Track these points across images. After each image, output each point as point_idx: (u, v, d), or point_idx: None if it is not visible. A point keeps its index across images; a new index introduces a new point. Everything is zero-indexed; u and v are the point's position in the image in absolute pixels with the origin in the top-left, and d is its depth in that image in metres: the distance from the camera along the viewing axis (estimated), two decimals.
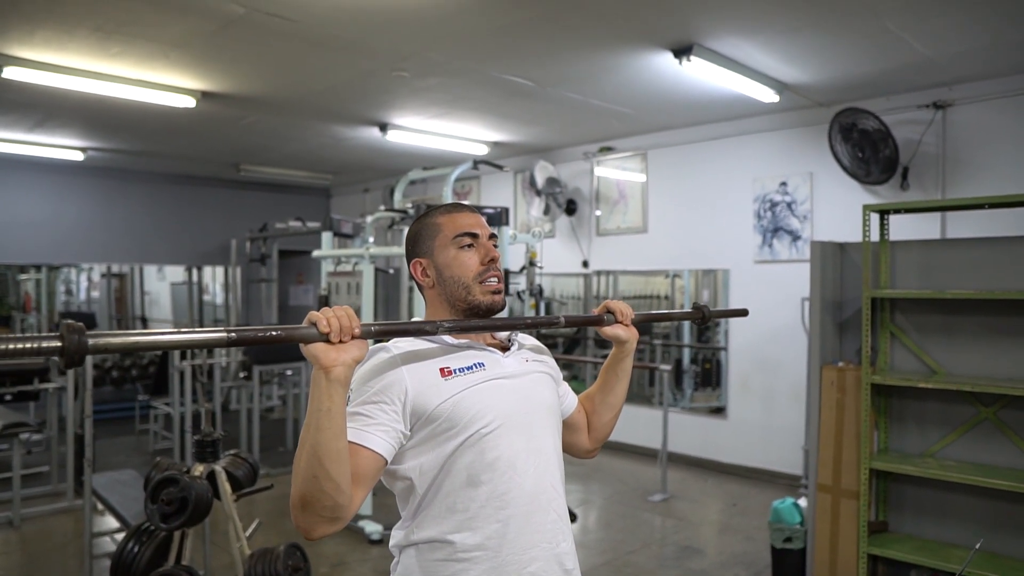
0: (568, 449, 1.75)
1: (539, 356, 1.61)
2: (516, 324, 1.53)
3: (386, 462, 1.35)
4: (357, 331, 1.20)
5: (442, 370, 1.40)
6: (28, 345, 0.94)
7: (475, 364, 1.44)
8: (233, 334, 1.11)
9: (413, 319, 1.54)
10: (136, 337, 1.03)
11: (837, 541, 3.73)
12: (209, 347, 1.12)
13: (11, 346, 0.93)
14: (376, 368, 1.37)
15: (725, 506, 5.50)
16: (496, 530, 1.38)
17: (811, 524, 3.86)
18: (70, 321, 0.96)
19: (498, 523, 1.38)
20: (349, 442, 1.27)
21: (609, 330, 1.68)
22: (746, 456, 6.28)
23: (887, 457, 3.61)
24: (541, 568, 1.42)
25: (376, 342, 1.36)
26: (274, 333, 1.14)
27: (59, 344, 0.94)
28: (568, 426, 1.71)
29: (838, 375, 3.78)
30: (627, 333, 1.69)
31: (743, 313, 2.09)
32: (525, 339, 1.64)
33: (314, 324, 1.17)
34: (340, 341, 1.18)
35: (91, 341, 0.97)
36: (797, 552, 3.93)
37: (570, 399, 1.74)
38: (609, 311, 1.68)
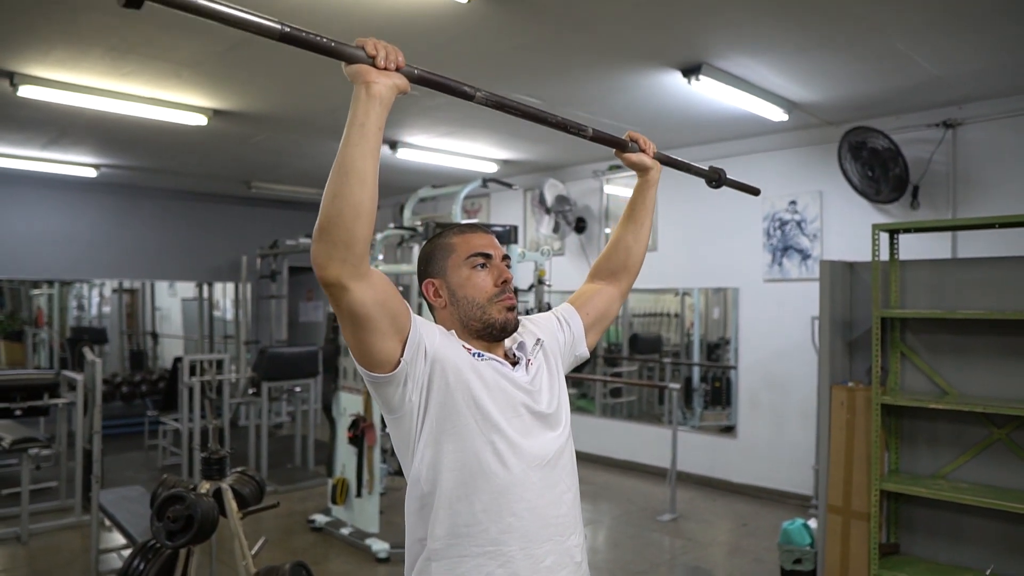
0: (607, 325, 1.84)
1: (537, 346, 1.61)
2: (546, 118, 1.54)
3: (408, 331, 1.36)
4: (402, 63, 1.26)
5: (465, 346, 1.46)
6: None
7: (492, 358, 1.48)
8: (287, 28, 1.13)
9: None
10: None
11: (847, 563, 3.69)
12: (260, 32, 1.12)
13: None
14: (420, 317, 1.44)
15: (735, 526, 5.45)
16: (509, 524, 1.39)
17: (821, 546, 3.82)
18: None
19: (512, 517, 1.39)
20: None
21: (633, 156, 1.77)
22: (756, 476, 6.23)
23: (898, 478, 3.58)
24: (556, 562, 1.43)
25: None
26: (325, 40, 1.17)
27: None
28: (591, 327, 1.76)
29: (848, 395, 3.75)
30: (651, 161, 1.78)
31: (755, 191, 2.11)
32: (525, 332, 1.64)
33: (362, 47, 1.23)
34: (385, 68, 1.24)
35: None
36: (807, 574, 3.89)
37: (575, 322, 1.74)
38: (633, 140, 1.76)
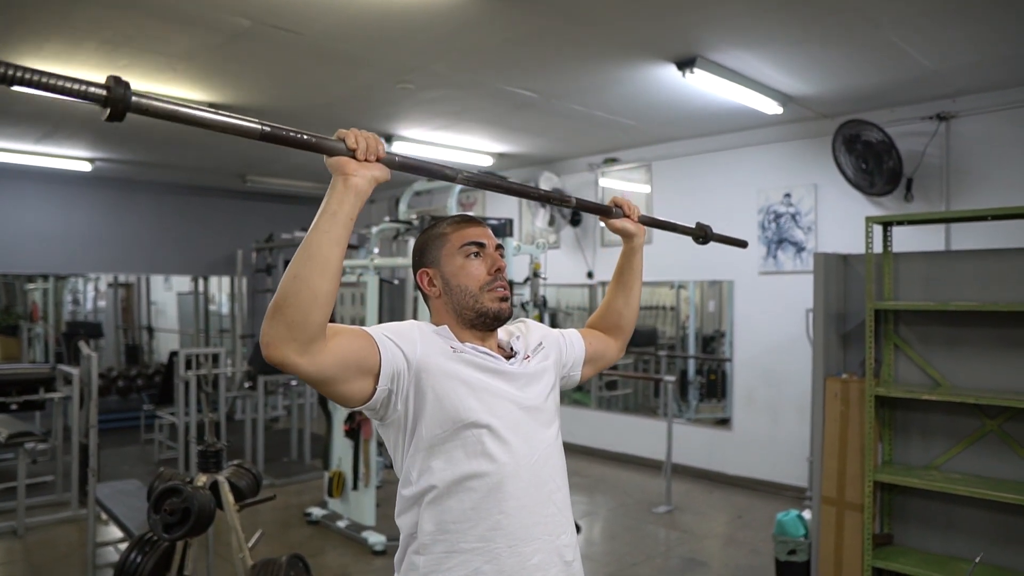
0: (602, 366, 1.85)
1: (538, 347, 1.62)
2: (529, 192, 1.57)
3: (379, 366, 1.34)
4: (382, 154, 1.26)
5: (452, 347, 1.46)
6: (74, 86, 0.95)
7: (484, 353, 1.48)
8: (267, 128, 1.14)
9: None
10: (175, 107, 1.06)
11: (842, 554, 3.71)
12: (241, 134, 1.13)
13: (58, 82, 0.94)
14: (398, 326, 1.43)
15: (730, 518, 5.48)
16: (497, 521, 1.40)
17: (815, 537, 3.85)
18: (117, 76, 0.99)
19: (500, 515, 1.40)
20: (354, 328, 1.32)
21: (618, 223, 1.78)
22: (751, 468, 6.26)
23: (891, 469, 3.60)
24: (544, 560, 1.43)
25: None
26: (305, 137, 1.18)
27: (104, 93, 0.97)
28: (589, 359, 1.78)
29: (842, 387, 3.77)
30: (635, 227, 1.79)
31: (743, 244, 2.13)
32: (528, 330, 1.66)
33: (342, 140, 1.23)
34: (365, 159, 1.24)
35: (135, 99, 1.00)
36: (802, 565, 3.92)
37: (578, 346, 1.76)
38: (617, 206, 1.76)
